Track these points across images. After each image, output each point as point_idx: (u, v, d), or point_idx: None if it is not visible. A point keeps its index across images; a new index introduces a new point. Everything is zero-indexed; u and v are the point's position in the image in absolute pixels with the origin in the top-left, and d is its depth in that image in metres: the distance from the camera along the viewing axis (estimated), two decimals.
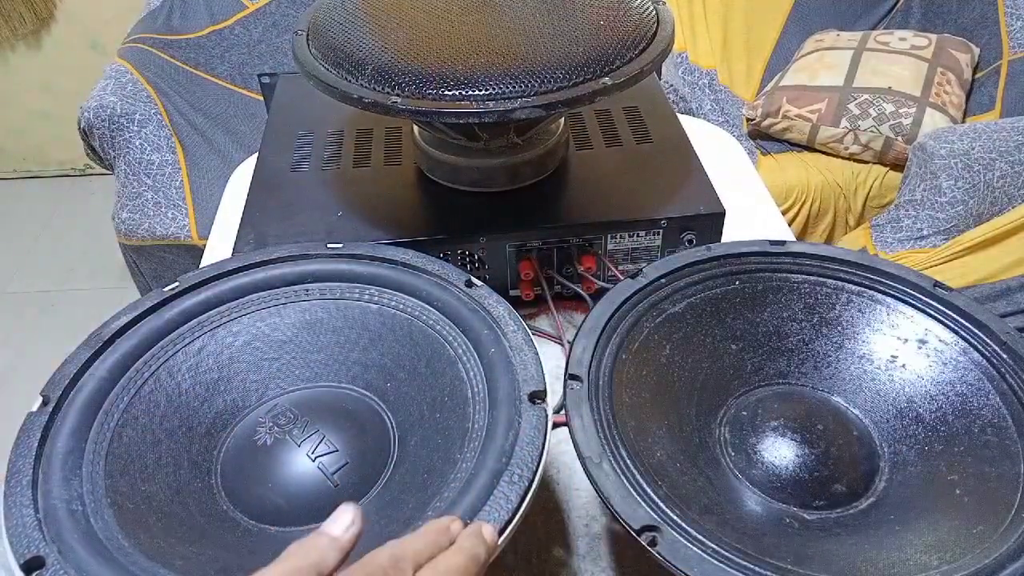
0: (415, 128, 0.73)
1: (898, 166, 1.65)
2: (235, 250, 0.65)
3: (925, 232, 1.45)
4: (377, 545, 0.33)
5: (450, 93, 0.56)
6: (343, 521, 0.34)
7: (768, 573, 0.37)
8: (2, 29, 2.06)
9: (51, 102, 2.23)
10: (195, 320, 0.52)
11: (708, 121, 1.23)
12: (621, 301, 0.52)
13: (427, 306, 0.52)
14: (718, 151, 0.93)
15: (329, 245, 0.56)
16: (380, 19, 0.64)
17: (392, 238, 0.65)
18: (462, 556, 0.35)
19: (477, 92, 0.56)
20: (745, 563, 0.38)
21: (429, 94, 0.57)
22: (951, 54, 1.73)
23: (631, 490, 0.41)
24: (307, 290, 0.54)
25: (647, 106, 0.82)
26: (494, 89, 0.56)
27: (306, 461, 0.47)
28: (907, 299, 0.53)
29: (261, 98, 1.07)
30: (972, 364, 0.50)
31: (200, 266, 0.57)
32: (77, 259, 2.10)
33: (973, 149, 1.40)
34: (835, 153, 1.71)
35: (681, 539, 0.38)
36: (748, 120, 1.83)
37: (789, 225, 1.11)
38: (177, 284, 0.53)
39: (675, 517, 0.40)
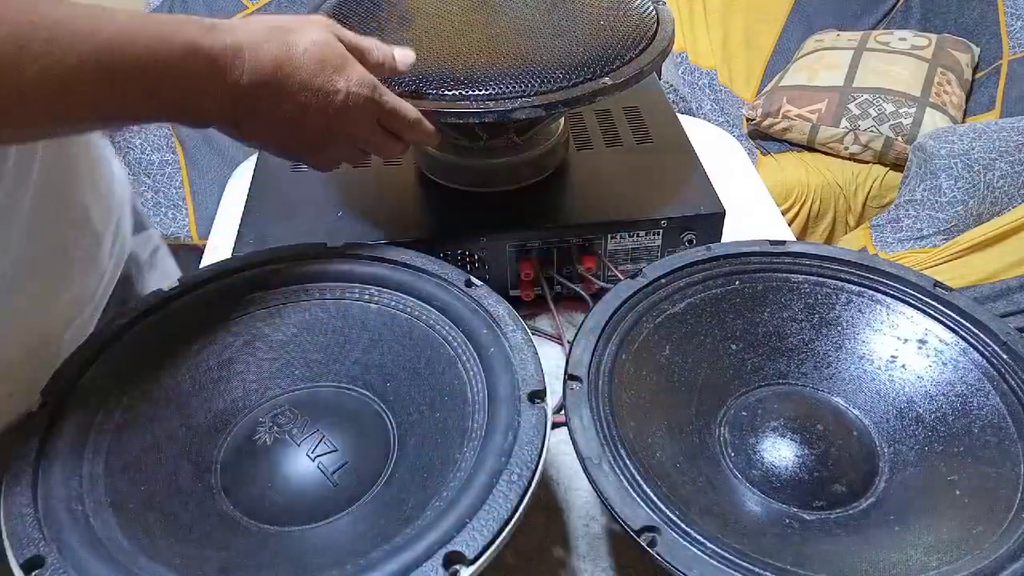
0: None
1: (898, 166, 1.65)
2: (235, 250, 0.65)
3: (925, 232, 1.45)
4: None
5: (450, 93, 0.56)
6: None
7: (767, 574, 0.37)
8: None
9: None
10: (195, 320, 0.52)
11: (708, 121, 1.23)
12: (621, 301, 0.52)
13: (427, 306, 0.52)
14: (718, 151, 0.93)
15: (329, 245, 0.56)
16: (380, 19, 0.64)
17: (392, 238, 0.65)
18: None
19: (477, 92, 0.56)
20: (744, 564, 0.38)
21: (429, 94, 0.57)
22: (951, 54, 1.73)
23: (630, 491, 0.41)
24: (307, 290, 0.54)
25: (647, 106, 0.82)
26: (494, 89, 0.56)
27: (306, 461, 0.47)
28: (907, 299, 0.53)
29: None
30: (972, 364, 0.50)
31: (200, 266, 0.57)
32: None
33: (973, 149, 1.40)
34: (835, 153, 1.71)
35: (680, 540, 0.38)
36: (748, 120, 1.83)
37: (789, 225, 1.11)
38: (177, 284, 0.53)
39: (674, 518, 0.40)
